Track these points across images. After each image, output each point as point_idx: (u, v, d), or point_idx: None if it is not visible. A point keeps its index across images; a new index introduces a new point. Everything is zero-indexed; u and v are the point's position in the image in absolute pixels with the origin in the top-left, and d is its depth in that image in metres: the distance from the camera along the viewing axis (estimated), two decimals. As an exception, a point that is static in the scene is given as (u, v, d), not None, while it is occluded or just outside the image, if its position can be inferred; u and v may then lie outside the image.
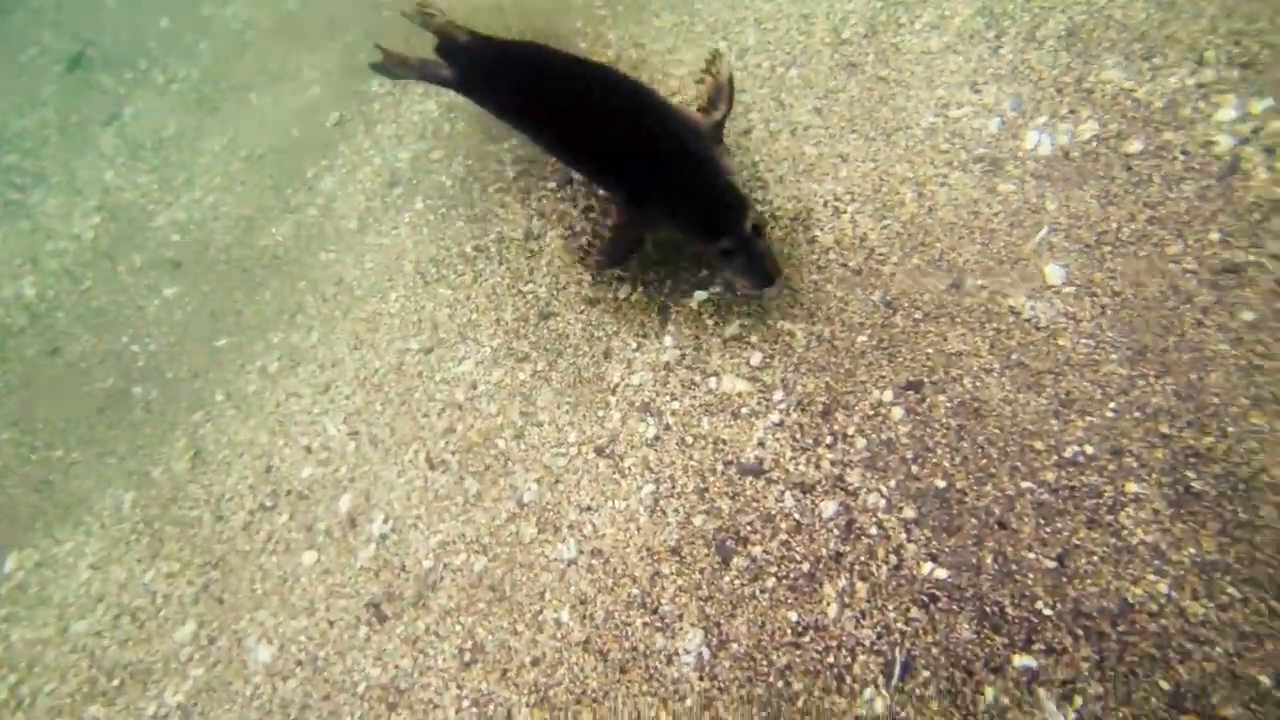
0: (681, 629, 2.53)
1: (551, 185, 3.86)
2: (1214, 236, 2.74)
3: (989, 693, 2.22)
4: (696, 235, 2.82)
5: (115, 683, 3.01)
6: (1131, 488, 2.42)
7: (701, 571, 2.62)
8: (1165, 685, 2.13)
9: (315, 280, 4.05)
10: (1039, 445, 2.55)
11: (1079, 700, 2.16)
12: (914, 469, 2.60)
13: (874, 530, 2.53)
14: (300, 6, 5.91)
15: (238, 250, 4.45)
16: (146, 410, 3.95)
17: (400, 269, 3.85)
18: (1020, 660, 2.24)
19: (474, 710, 2.57)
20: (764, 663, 2.41)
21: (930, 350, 2.80)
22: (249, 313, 4.09)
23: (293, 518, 3.21)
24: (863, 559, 2.49)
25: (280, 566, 3.10)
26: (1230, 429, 2.46)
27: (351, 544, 3.06)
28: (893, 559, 2.47)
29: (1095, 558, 2.34)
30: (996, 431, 2.60)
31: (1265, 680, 2.08)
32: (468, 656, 2.67)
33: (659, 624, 2.56)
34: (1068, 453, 2.51)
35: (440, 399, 3.30)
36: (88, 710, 2.99)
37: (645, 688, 2.46)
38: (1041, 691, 2.19)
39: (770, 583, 2.54)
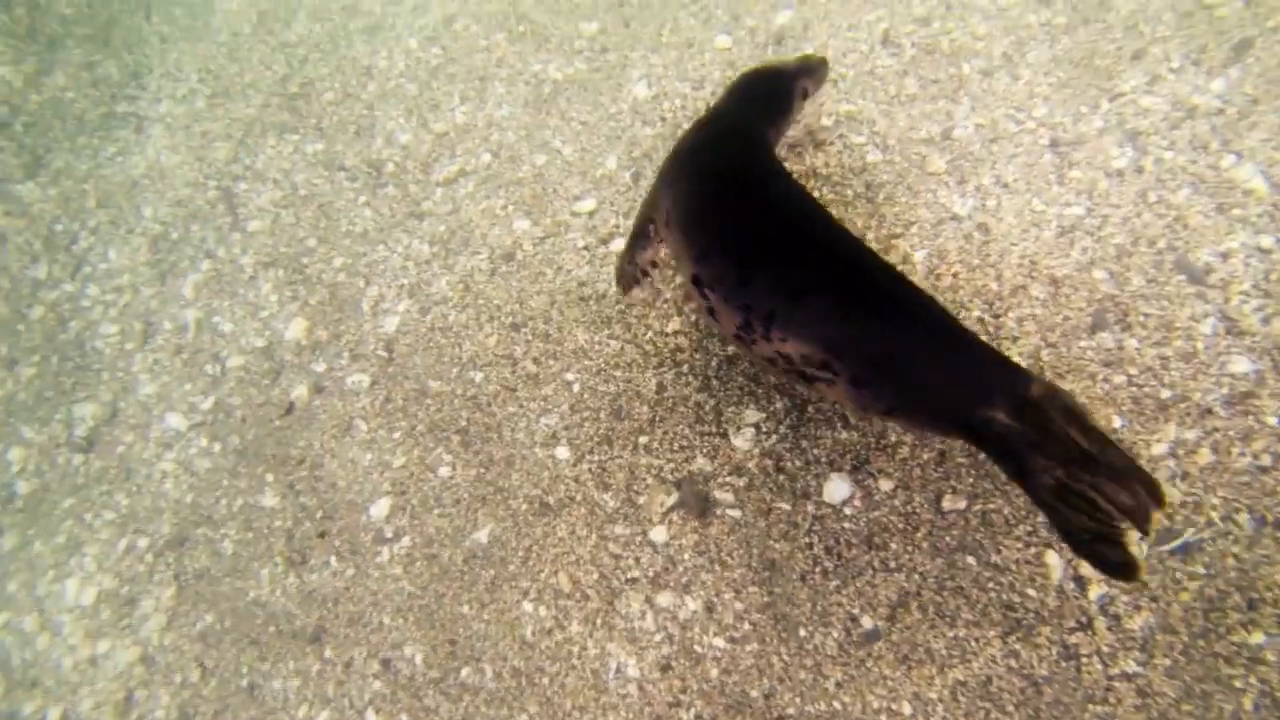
0: (1010, 349, 2.32)
1: None
2: None
3: None
4: None
5: (522, 28, 3.17)
6: None
7: (1064, 318, 2.34)
8: None
9: None
10: None
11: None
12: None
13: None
14: None
15: None
16: None
17: None
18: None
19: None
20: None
21: None
22: None
23: None
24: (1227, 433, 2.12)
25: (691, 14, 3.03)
26: None
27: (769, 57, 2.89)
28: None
29: None
30: None
31: None
32: (804, 225, 2.60)
33: (994, 330, 2.36)
34: None
35: (935, -17, 2.87)
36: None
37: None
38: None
39: (1120, 379, 2.24)
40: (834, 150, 2.67)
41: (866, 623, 2.06)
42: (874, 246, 2.52)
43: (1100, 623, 1.95)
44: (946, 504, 2.16)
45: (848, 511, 2.22)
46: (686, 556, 2.27)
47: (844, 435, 2.33)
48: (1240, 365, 2.16)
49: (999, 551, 2.06)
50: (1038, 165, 2.53)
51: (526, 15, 3.32)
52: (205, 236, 3.29)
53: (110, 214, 3.51)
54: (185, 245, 3.30)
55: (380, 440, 2.67)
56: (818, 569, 2.16)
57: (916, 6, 2.85)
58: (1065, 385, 2.25)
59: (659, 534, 2.32)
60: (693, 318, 2.56)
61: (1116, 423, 2.14)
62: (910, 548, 2.13)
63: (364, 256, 2.98)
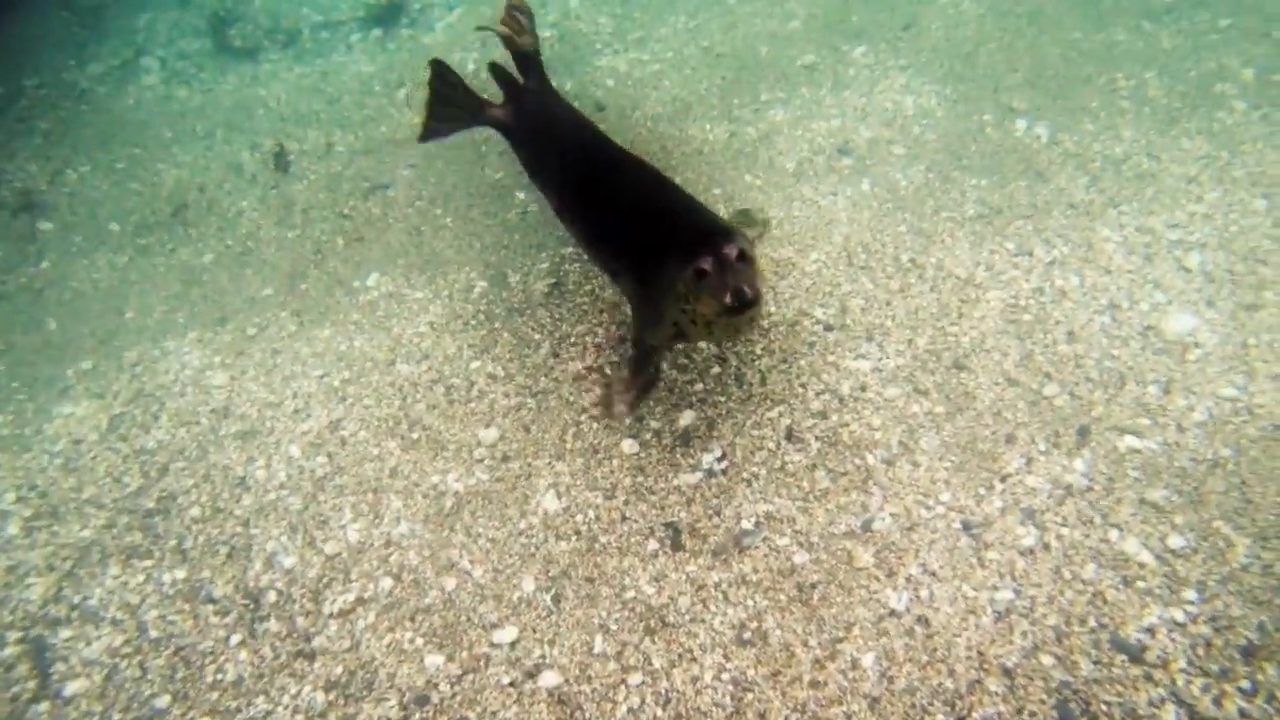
0: (985, 758, 2.18)
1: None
2: None
3: None
4: (677, 262, 2.45)
5: (415, 435, 3.04)
6: None
7: (1030, 714, 2.25)
8: None
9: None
10: None
11: None
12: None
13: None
14: None
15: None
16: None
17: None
18: None
19: (730, 688, 2.34)
20: None
21: None
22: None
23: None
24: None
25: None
26: None
27: (679, 462, 2.92)
28: None
29: None
30: None
31: None
32: (747, 635, 2.45)
33: (962, 736, 2.22)
34: None
35: (825, 386, 3.09)
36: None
37: (918, 790, 2.14)
38: None
39: (1109, 782, 2.13)
40: (759, 554, 2.64)
41: None
42: (816, 654, 2.41)
43: None
44: None
45: None
46: None
47: None
48: (1220, 759, 2.11)
49: None
50: (957, 549, 2.60)
51: (419, 421, 3.24)
52: (-19, 720, 2.63)
53: None
54: (-63, 747, 2.60)
55: None
56: None
57: (813, 401, 3.04)
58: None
59: None
60: None
61: (1128, 843, 1.99)
62: None
63: (238, 714, 2.49)
